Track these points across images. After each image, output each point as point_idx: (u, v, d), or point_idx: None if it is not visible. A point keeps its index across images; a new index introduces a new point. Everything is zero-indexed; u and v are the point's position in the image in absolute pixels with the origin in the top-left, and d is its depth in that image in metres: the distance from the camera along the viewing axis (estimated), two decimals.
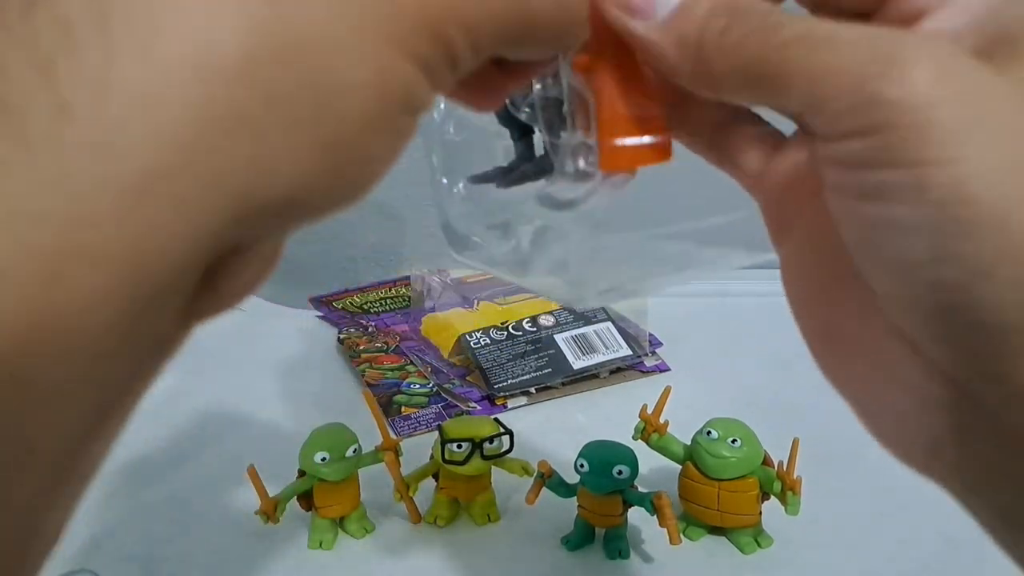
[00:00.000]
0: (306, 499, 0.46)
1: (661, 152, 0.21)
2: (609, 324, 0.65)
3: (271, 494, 0.45)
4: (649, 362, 0.64)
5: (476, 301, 0.66)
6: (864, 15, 0.19)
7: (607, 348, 0.63)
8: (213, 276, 0.16)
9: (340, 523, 0.47)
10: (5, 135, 0.13)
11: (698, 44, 0.19)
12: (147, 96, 0.13)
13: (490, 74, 0.20)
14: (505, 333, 0.63)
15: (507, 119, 0.25)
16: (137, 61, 0.13)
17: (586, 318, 0.65)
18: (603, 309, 0.66)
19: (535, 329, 0.64)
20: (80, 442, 0.15)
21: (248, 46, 0.14)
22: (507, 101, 0.23)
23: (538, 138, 0.24)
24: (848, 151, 0.17)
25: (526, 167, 0.25)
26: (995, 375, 0.17)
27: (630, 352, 0.63)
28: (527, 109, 0.23)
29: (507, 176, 0.25)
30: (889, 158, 0.16)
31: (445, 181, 0.27)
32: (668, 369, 0.64)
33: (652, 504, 0.43)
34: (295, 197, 0.15)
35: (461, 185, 0.27)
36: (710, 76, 0.19)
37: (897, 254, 0.17)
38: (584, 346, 0.63)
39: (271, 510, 0.44)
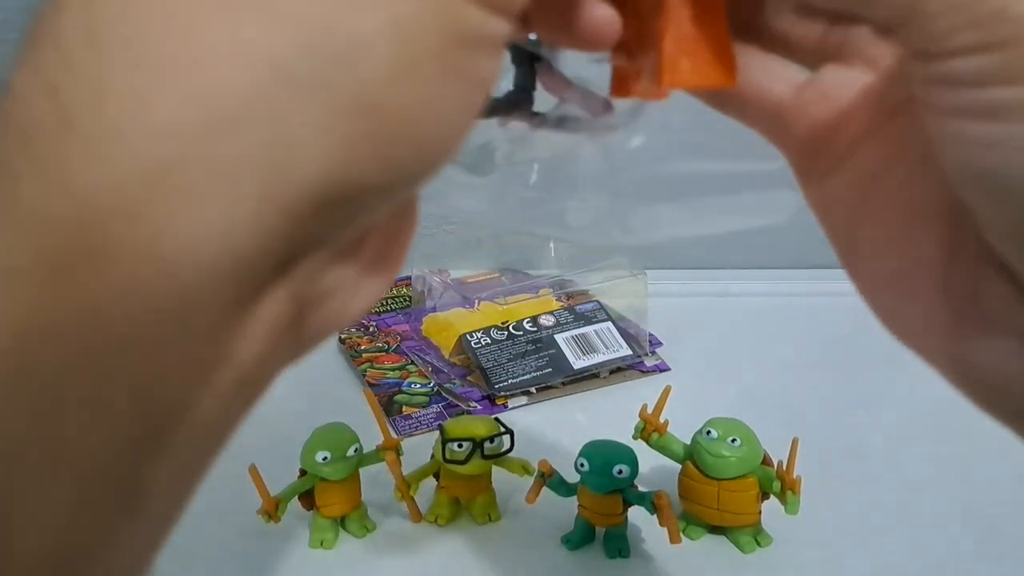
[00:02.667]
0: (307, 498, 0.46)
1: (728, 74, 0.19)
2: (609, 324, 0.65)
3: (272, 493, 0.45)
4: (649, 362, 0.64)
5: (477, 301, 0.66)
6: None
7: (607, 348, 0.63)
8: (298, 277, 0.15)
9: (341, 522, 0.47)
10: (20, 154, 0.13)
11: None
12: (142, 96, 0.13)
13: None
14: (506, 333, 0.63)
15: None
16: (130, 67, 0.13)
17: (586, 318, 0.65)
18: (603, 309, 0.66)
19: (535, 329, 0.64)
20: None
21: (249, 34, 0.14)
22: None
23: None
24: (961, 68, 0.16)
25: (504, 97, 0.23)
26: None
27: (630, 352, 0.63)
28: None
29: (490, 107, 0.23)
30: (1011, 75, 0.15)
31: None
32: (668, 369, 0.64)
33: (652, 503, 0.43)
34: (338, 178, 0.14)
35: None
36: None
37: (1014, 174, 0.16)
38: (584, 346, 0.63)
39: (272, 509, 0.44)
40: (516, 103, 0.24)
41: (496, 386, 0.59)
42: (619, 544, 0.45)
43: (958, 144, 0.17)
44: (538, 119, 0.24)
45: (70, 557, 0.14)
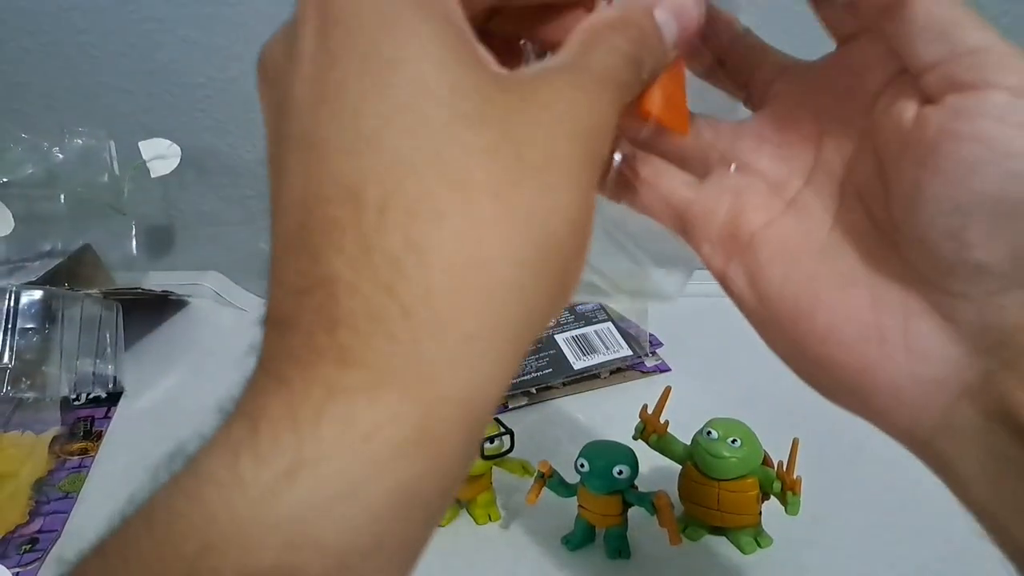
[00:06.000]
0: None
1: (686, 125, 0.25)
2: (610, 324, 0.65)
3: None
4: (649, 362, 0.64)
5: None
6: None
7: (607, 348, 0.63)
8: None
9: None
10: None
11: None
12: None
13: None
14: None
15: None
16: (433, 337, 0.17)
17: (587, 318, 0.65)
18: (603, 309, 0.66)
19: None
20: None
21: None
22: None
23: None
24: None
25: None
26: None
27: (630, 352, 0.63)
28: None
29: None
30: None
31: None
32: (668, 369, 0.64)
33: (652, 504, 0.43)
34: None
35: None
36: None
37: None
38: (584, 346, 0.63)
39: None
40: None
41: None
42: (619, 545, 0.45)
43: (975, 162, 0.19)
44: None
45: None
